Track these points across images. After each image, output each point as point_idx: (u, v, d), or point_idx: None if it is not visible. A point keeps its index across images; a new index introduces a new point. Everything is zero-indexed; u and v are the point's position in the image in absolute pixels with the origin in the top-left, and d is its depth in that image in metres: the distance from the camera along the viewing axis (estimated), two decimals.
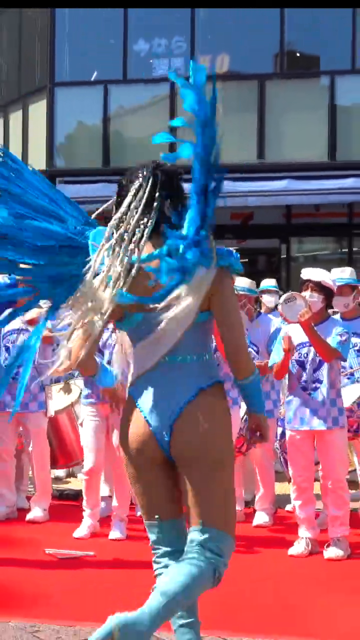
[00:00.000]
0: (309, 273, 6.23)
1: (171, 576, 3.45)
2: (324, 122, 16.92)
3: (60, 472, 8.79)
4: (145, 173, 3.67)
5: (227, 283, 3.63)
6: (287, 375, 6.35)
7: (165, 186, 3.69)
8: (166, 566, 3.61)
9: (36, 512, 7.05)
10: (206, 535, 3.53)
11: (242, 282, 7.09)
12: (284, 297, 6.28)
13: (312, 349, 6.14)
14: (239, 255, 3.67)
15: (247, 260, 18.17)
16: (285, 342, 6.12)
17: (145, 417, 3.58)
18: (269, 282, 9.93)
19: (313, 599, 5.15)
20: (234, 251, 3.70)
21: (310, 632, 4.57)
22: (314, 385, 6.16)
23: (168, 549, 3.66)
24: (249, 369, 3.60)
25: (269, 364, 6.44)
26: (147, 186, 3.63)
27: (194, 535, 3.54)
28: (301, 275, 6.30)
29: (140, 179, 3.65)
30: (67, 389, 7.86)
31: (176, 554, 3.61)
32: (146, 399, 3.59)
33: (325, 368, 6.14)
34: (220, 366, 6.29)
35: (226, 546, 3.57)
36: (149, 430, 3.57)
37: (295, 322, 6.04)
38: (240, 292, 6.98)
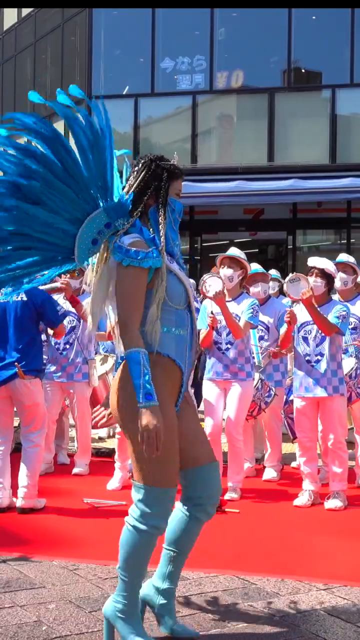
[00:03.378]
0: (314, 261, 6.24)
1: None
2: (325, 129, 16.82)
3: (102, 433, 8.80)
4: (142, 163, 3.57)
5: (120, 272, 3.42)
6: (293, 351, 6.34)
7: (155, 178, 3.53)
8: None
9: (79, 467, 7.09)
10: (132, 490, 3.48)
11: (254, 266, 7.09)
12: (289, 277, 6.31)
13: (314, 326, 6.12)
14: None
15: (257, 249, 18.13)
16: (288, 315, 6.13)
17: None
18: (271, 272, 9.83)
19: (315, 543, 5.14)
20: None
21: (312, 572, 4.55)
22: (316, 358, 6.14)
23: None
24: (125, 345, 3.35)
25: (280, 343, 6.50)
26: (139, 175, 3.53)
27: None
28: (307, 263, 6.29)
29: (138, 167, 3.56)
30: (105, 360, 7.87)
31: None
32: None
33: (327, 343, 6.11)
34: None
35: (145, 496, 3.38)
36: None
37: (298, 299, 6.05)
38: (256, 272, 7.00)
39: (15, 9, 21.67)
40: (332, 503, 6.05)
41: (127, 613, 3.42)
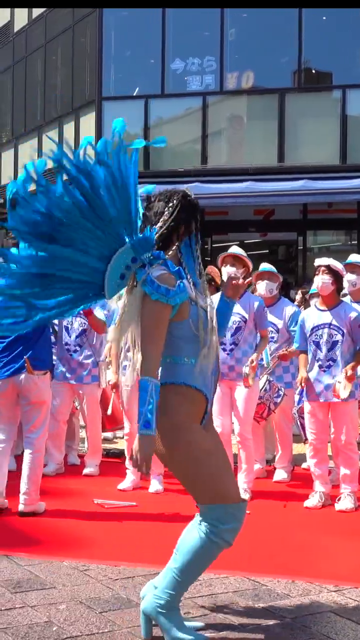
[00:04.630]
0: (320, 260, 6.28)
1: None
2: (336, 130, 16.78)
3: (108, 434, 8.81)
4: (176, 199, 3.66)
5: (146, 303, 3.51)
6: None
7: (187, 213, 3.67)
8: None
9: (90, 468, 7.10)
10: (202, 509, 3.58)
11: (266, 265, 7.09)
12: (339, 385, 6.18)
13: (326, 330, 6.12)
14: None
15: (268, 250, 18.12)
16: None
17: None
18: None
19: (326, 545, 5.13)
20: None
21: (323, 573, 4.54)
22: (328, 362, 6.13)
23: None
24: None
25: (294, 346, 6.55)
26: (174, 210, 3.64)
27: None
28: (314, 263, 6.31)
29: (173, 203, 3.65)
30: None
31: None
32: None
33: (339, 348, 6.11)
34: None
35: (217, 515, 3.51)
36: None
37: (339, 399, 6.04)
38: (263, 270, 7.03)
39: (26, 11, 21.72)
40: (342, 504, 6.04)
41: (168, 608, 3.55)
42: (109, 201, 3.45)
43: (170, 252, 3.63)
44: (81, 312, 6.79)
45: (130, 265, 3.52)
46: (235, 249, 6.48)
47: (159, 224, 3.62)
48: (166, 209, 3.65)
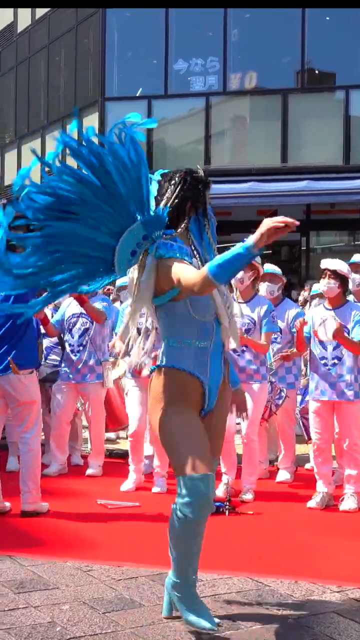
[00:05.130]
0: (327, 263, 6.22)
1: None
2: (339, 130, 16.79)
3: (111, 434, 8.82)
4: (178, 177, 3.75)
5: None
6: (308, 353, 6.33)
7: (192, 190, 3.73)
8: None
9: (93, 468, 7.10)
10: None
11: (269, 267, 7.07)
12: (317, 322, 6.20)
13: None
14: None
15: (271, 251, 18.11)
16: (298, 322, 6.22)
17: None
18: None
19: (329, 545, 5.12)
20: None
21: (326, 574, 4.54)
22: (333, 361, 6.13)
23: None
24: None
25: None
26: (177, 188, 3.71)
27: None
28: (320, 266, 6.28)
29: (174, 181, 3.73)
30: (116, 364, 7.88)
31: None
32: None
33: (343, 347, 6.10)
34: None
35: (180, 487, 3.59)
36: None
37: (331, 339, 6.02)
38: (266, 272, 7.02)
39: (30, 11, 21.74)
40: (346, 505, 6.03)
41: (178, 590, 3.67)
42: (118, 178, 3.50)
43: (179, 230, 3.67)
44: (76, 300, 6.84)
45: (142, 243, 3.59)
46: None
47: (163, 202, 3.68)
48: (169, 187, 3.71)
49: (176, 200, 3.68)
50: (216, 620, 3.63)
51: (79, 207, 3.49)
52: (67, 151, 3.51)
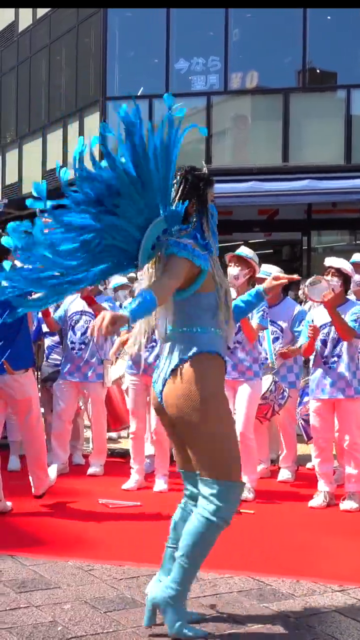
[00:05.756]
0: (331, 261, 6.24)
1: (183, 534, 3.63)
2: (340, 130, 16.78)
3: (112, 434, 8.82)
4: (179, 175, 3.76)
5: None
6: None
7: (194, 188, 3.75)
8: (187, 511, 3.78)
9: (95, 468, 7.10)
10: (201, 485, 3.60)
11: (270, 268, 7.04)
12: (309, 280, 6.27)
13: (332, 328, 6.12)
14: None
15: (272, 250, 18.11)
16: (311, 330, 6.13)
17: (154, 382, 3.73)
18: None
19: (330, 545, 5.13)
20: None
21: (327, 573, 4.54)
22: (333, 359, 6.13)
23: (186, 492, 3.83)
24: None
25: (298, 344, 6.52)
26: (179, 187, 3.73)
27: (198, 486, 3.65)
28: (324, 263, 6.29)
29: (177, 180, 3.75)
30: (116, 364, 7.88)
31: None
32: (159, 363, 3.75)
33: (344, 344, 6.11)
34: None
35: (218, 491, 3.55)
36: (154, 394, 3.75)
37: (320, 301, 6.04)
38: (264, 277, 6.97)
39: (31, 11, 21.74)
40: (347, 504, 6.04)
41: (176, 600, 3.58)
42: (154, 170, 3.53)
43: (191, 227, 3.70)
44: (85, 300, 6.83)
45: (161, 237, 3.62)
46: (241, 250, 6.48)
47: None
48: (172, 186, 3.71)
49: (179, 199, 3.69)
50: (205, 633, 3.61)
51: (122, 199, 3.49)
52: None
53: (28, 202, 3.49)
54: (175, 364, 3.61)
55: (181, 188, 3.71)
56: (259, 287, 4.09)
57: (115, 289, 8.50)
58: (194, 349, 3.60)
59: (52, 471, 6.03)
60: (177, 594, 3.58)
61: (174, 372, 3.61)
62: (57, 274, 3.55)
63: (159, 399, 3.69)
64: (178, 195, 3.70)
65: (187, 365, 3.59)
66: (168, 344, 3.69)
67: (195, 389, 3.55)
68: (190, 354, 3.59)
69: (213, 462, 3.56)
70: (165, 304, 3.63)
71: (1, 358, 5.60)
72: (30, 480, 5.88)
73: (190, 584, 3.64)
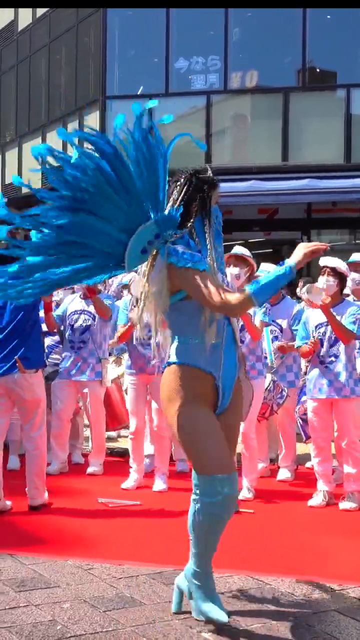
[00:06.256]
0: (325, 261, 6.22)
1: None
2: (340, 129, 16.77)
3: (112, 433, 8.82)
4: (183, 177, 3.77)
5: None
6: None
7: (198, 191, 3.75)
8: None
9: (94, 467, 7.10)
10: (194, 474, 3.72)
11: (268, 267, 7.06)
12: (305, 288, 6.26)
13: (329, 327, 6.12)
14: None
15: (272, 249, 18.10)
16: (312, 344, 6.15)
17: None
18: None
19: (329, 544, 5.13)
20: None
21: (327, 572, 4.54)
22: (330, 359, 6.13)
23: None
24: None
25: (296, 345, 6.49)
26: (182, 189, 3.73)
27: None
28: (319, 263, 6.28)
29: (180, 182, 3.76)
30: (118, 362, 7.88)
31: None
32: None
33: (341, 344, 6.11)
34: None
35: (200, 483, 3.63)
36: None
37: (320, 305, 6.03)
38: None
39: (30, 10, 21.72)
40: (346, 504, 6.04)
41: (201, 580, 3.69)
42: (136, 174, 3.54)
43: (186, 230, 3.69)
44: (86, 291, 6.82)
45: (153, 241, 3.61)
46: (237, 249, 6.48)
47: (169, 204, 3.70)
48: (175, 188, 3.73)
49: (182, 202, 3.69)
50: (226, 618, 3.66)
51: (93, 197, 3.49)
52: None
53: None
54: (164, 366, 3.81)
55: (184, 190, 3.70)
56: (289, 261, 3.66)
57: (121, 288, 8.48)
58: (172, 358, 3.73)
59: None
60: (197, 574, 3.70)
61: (163, 376, 3.80)
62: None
63: None
64: (180, 198, 3.69)
65: (166, 371, 3.77)
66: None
67: (165, 395, 3.73)
68: (169, 361, 3.74)
69: (191, 457, 3.72)
70: (160, 307, 3.67)
71: (14, 356, 5.64)
72: (27, 490, 5.83)
73: (206, 566, 3.71)
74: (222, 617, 3.61)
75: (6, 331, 5.67)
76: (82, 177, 3.47)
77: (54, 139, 20.51)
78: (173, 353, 3.73)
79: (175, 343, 3.73)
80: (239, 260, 6.37)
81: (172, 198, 3.72)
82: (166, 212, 3.65)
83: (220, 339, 3.69)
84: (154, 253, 3.64)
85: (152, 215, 3.60)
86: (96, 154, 3.49)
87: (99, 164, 3.48)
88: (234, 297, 3.55)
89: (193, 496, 3.67)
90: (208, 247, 3.70)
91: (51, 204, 3.52)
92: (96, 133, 3.54)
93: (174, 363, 3.70)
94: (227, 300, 3.53)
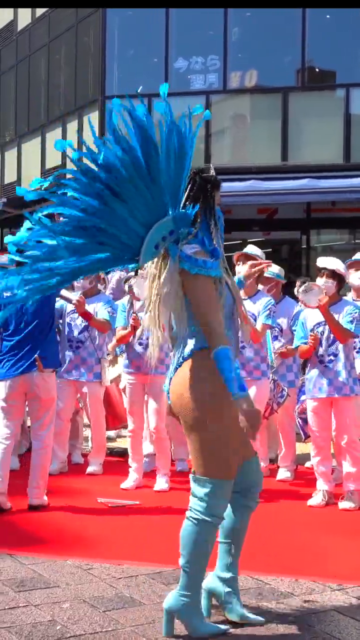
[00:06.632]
0: (324, 262, 6.21)
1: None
2: (339, 129, 16.76)
3: (111, 433, 8.81)
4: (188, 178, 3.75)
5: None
6: None
7: (201, 191, 3.74)
8: None
9: (94, 467, 7.10)
10: (193, 484, 3.63)
11: (256, 251, 7.03)
12: (302, 287, 6.25)
13: (327, 327, 6.13)
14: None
15: (271, 249, 18.10)
16: (312, 340, 6.12)
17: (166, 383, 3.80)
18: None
19: (329, 544, 5.13)
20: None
21: (326, 572, 4.54)
22: (329, 358, 6.13)
23: None
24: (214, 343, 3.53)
25: (294, 345, 6.48)
26: (186, 189, 3.72)
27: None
28: (317, 264, 6.28)
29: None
30: (115, 362, 7.88)
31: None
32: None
33: (339, 343, 6.11)
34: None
35: (203, 488, 3.57)
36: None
37: (316, 306, 6.02)
38: (269, 276, 6.97)
39: (30, 10, 21.72)
40: (345, 503, 6.04)
41: (189, 604, 3.59)
42: (165, 167, 3.53)
43: (196, 230, 3.67)
44: (82, 316, 6.81)
45: (167, 237, 3.60)
46: (249, 249, 6.50)
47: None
48: None
49: (186, 202, 3.68)
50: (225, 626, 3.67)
51: (125, 188, 3.47)
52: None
53: (20, 191, 3.51)
54: (179, 362, 3.65)
55: (187, 191, 3.70)
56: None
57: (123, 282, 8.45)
58: (192, 347, 3.61)
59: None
60: (190, 600, 3.59)
61: (176, 370, 3.66)
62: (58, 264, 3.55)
63: (168, 398, 3.73)
64: (185, 197, 3.69)
65: (185, 364, 3.61)
66: (175, 344, 3.72)
67: (200, 381, 3.56)
68: (189, 351, 3.62)
69: (212, 458, 3.58)
70: (173, 308, 3.63)
71: (33, 355, 5.73)
72: (28, 490, 5.86)
73: (199, 587, 3.66)
74: (222, 630, 3.65)
75: (26, 331, 5.77)
76: (115, 166, 3.45)
77: (53, 139, 20.53)
78: (192, 342, 3.61)
79: (194, 331, 3.61)
80: (249, 259, 6.32)
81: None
82: (182, 210, 3.64)
83: (231, 332, 3.69)
84: (164, 254, 3.62)
85: (169, 211, 3.59)
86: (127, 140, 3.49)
87: (135, 154, 3.48)
88: (217, 334, 3.51)
89: (194, 511, 3.59)
90: (217, 246, 3.70)
91: (79, 189, 3.48)
92: (146, 117, 3.57)
93: (201, 348, 3.57)
94: (213, 330, 3.52)
